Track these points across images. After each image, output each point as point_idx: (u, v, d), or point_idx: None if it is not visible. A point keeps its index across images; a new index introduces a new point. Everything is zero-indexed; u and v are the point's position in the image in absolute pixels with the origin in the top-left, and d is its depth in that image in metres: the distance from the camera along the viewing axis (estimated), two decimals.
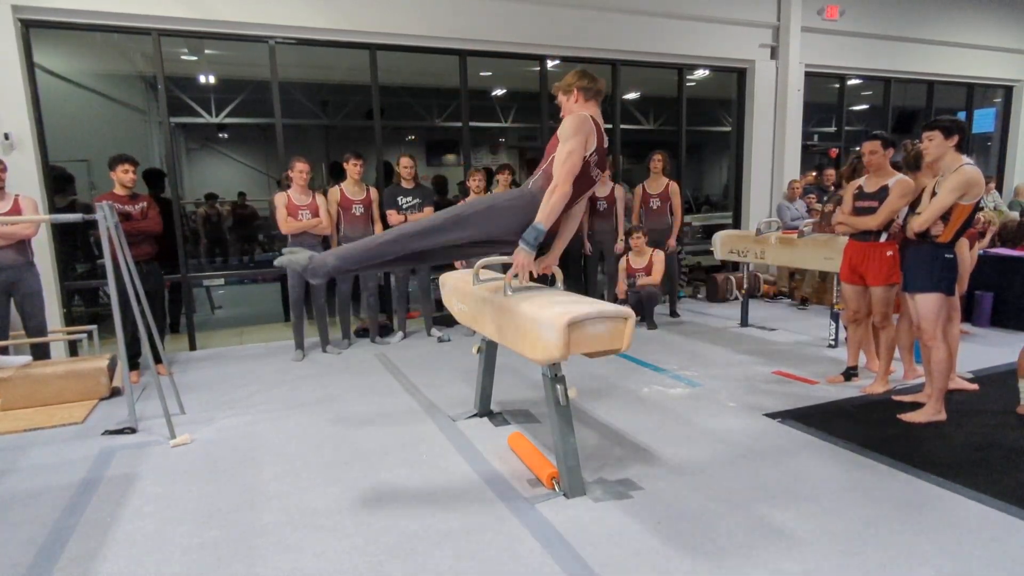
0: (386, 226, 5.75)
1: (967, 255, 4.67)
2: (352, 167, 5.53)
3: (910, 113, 10.16)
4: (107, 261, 3.53)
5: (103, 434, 3.72)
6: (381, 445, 3.45)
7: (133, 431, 3.74)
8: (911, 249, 3.59)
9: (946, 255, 3.45)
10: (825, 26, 8.13)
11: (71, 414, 4.06)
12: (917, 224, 3.45)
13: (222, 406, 4.23)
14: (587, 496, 2.78)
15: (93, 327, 5.03)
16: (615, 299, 6.30)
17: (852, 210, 4.04)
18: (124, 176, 4.71)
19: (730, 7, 7.56)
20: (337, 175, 8.48)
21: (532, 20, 6.61)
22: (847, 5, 8.19)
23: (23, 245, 4.46)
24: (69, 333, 5.09)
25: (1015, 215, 7.14)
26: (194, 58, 8.13)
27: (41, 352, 4.64)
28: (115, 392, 4.47)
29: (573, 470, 2.78)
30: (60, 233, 5.47)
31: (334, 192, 5.55)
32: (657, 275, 6.11)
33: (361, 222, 5.59)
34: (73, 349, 5.37)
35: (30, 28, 5.14)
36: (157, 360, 4.31)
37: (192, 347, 5.96)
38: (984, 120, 10.43)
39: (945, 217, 3.40)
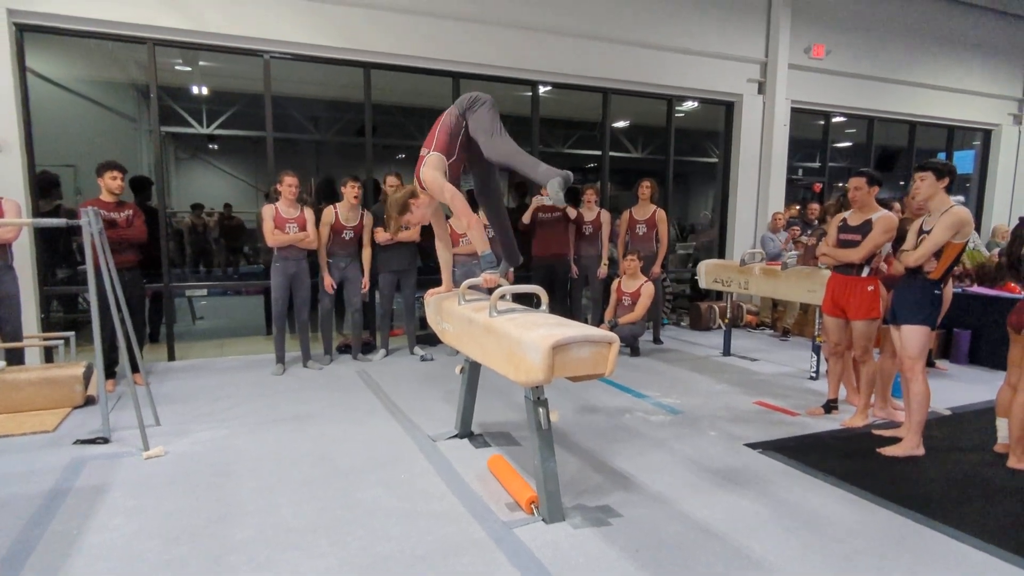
0: (374, 249, 5.74)
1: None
2: (350, 190, 5.50)
3: (892, 152, 10.39)
4: (89, 267, 3.48)
5: (74, 443, 3.64)
6: (359, 464, 3.41)
7: (106, 441, 3.67)
8: (902, 283, 3.67)
9: (935, 291, 3.54)
10: (811, 64, 8.34)
11: (42, 422, 3.97)
12: (913, 259, 3.54)
13: (198, 418, 4.16)
14: (566, 522, 2.75)
15: (70, 334, 4.95)
16: (600, 322, 6.31)
17: (836, 242, 4.11)
18: (111, 183, 4.67)
19: (719, 42, 7.73)
20: (327, 195, 8.46)
21: (526, 46, 6.71)
22: (833, 45, 8.42)
23: (3, 248, 4.40)
24: (45, 339, 5.00)
25: (992, 255, 7.27)
26: (188, 69, 8.14)
27: (15, 358, 4.54)
28: (89, 400, 4.39)
29: (553, 495, 2.76)
30: (43, 238, 5.40)
31: (329, 213, 5.53)
32: (640, 310, 6.00)
33: (349, 244, 5.62)
34: (49, 356, 5.27)
35: (24, 32, 5.13)
36: (134, 369, 4.23)
37: (171, 357, 5.87)
38: (963, 162, 10.68)
39: (937, 254, 3.49)
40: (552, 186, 2.90)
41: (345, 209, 5.54)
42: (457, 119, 3.34)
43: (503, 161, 3.20)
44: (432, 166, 3.23)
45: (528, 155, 3.14)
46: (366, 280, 5.71)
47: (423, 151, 3.33)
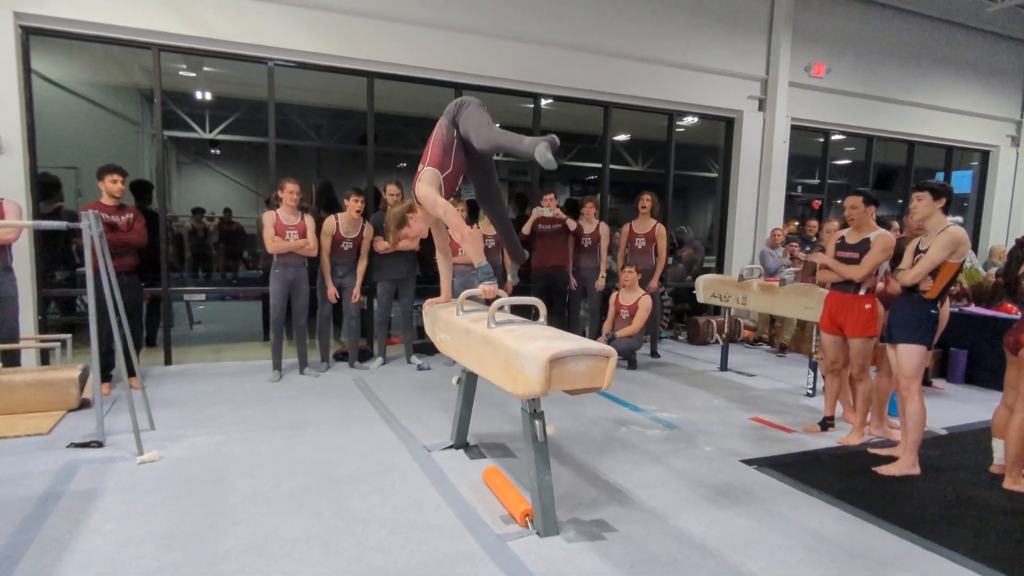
0: (371, 259, 5.75)
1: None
2: (352, 204, 5.53)
3: (891, 170, 10.45)
4: (88, 270, 3.48)
5: (68, 447, 3.63)
6: (353, 472, 3.40)
7: (100, 445, 3.65)
8: (898, 302, 3.69)
9: (931, 310, 3.56)
10: (812, 82, 8.40)
11: (36, 425, 3.95)
12: (909, 278, 3.56)
13: (194, 423, 4.14)
14: (560, 536, 2.74)
15: (67, 336, 4.94)
16: (598, 334, 6.31)
17: (833, 259, 4.13)
18: (112, 186, 4.69)
19: (721, 59, 7.79)
20: (328, 201, 8.48)
21: (528, 59, 6.75)
22: (833, 64, 8.49)
23: (2, 250, 4.39)
24: (42, 341, 4.99)
25: (989, 274, 7.29)
26: (192, 74, 8.17)
27: (11, 359, 4.53)
28: (85, 404, 4.38)
29: (547, 508, 2.75)
30: (42, 240, 5.40)
31: (330, 224, 5.54)
32: (638, 323, 6.00)
33: (349, 255, 5.64)
34: (45, 358, 5.25)
35: (30, 35, 5.15)
36: (131, 373, 4.22)
37: (168, 361, 5.86)
38: (961, 182, 10.75)
39: (933, 274, 3.52)
40: (540, 152, 2.89)
41: (346, 222, 5.56)
42: (448, 129, 3.37)
43: (492, 143, 3.24)
44: (426, 181, 3.25)
45: (512, 133, 3.20)
46: (357, 290, 5.71)
47: (420, 166, 3.35)
